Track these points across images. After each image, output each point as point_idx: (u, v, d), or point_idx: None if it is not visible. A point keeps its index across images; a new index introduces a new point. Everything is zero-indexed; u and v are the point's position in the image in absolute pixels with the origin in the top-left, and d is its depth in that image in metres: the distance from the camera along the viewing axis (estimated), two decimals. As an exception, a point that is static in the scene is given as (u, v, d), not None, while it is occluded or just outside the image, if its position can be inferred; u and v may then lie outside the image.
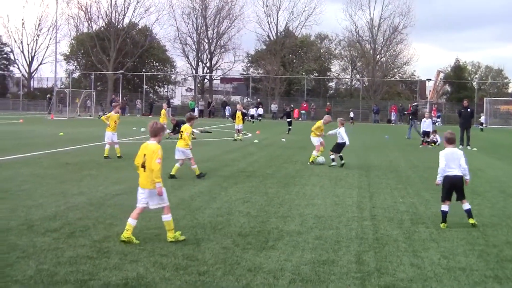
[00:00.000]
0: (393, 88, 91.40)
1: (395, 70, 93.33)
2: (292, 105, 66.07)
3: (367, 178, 16.33)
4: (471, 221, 10.03)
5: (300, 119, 69.85)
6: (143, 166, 8.45)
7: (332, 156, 18.93)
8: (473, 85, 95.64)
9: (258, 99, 76.31)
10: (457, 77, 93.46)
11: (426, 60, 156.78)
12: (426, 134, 30.23)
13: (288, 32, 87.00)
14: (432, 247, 8.47)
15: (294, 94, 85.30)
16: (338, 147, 19.11)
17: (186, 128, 15.27)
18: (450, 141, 10.44)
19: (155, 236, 8.66)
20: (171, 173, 14.95)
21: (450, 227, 9.82)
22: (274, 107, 73.84)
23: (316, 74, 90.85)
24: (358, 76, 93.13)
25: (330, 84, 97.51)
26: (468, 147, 28.07)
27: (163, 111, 30.96)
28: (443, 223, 10.00)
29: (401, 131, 44.52)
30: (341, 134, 19.05)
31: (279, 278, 6.79)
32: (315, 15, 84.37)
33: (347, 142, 18.96)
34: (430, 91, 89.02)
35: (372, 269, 7.29)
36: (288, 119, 41.37)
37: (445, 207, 10.12)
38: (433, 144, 29.65)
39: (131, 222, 8.35)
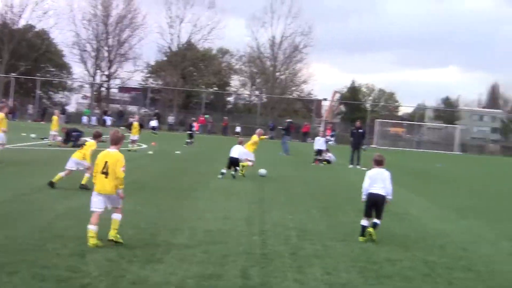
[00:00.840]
0: (291, 105, 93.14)
1: (293, 88, 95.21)
2: (194, 118, 66.00)
3: (259, 194, 16.54)
4: (370, 229, 10.54)
5: (197, 132, 69.74)
6: (105, 172, 8.81)
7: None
8: (367, 107, 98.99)
9: (156, 110, 75.65)
10: (352, 98, 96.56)
11: (324, 80, 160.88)
12: (319, 152, 30.93)
13: (190, 45, 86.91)
14: (316, 263, 8.69)
15: (192, 107, 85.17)
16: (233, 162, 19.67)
17: (91, 144, 14.96)
18: (378, 163, 11.39)
19: (39, 247, 8.40)
20: (52, 180, 14.49)
21: (335, 244, 10.11)
22: (171, 119, 73.38)
23: (216, 88, 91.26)
24: (257, 92, 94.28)
25: (228, 98, 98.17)
26: (358, 167, 28.98)
27: (55, 117, 30.11)
28: (361, 237, 10.52)
29: (296, 148, 45.32)
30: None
31: (164, 291, 6.77)
32: (218, 29, 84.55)
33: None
34: (326, 110, 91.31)
35: (257, 284, 7.39)
36: (189, 132, 41.29)
37: (364, 222, 10.65)
38: (325, 162, 30.39)
39: (93, 228, 8.67)
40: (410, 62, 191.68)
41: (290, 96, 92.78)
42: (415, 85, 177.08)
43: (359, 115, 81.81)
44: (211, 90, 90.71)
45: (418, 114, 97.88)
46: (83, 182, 14.68)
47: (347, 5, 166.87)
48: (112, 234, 8.86)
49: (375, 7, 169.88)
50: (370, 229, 10.59)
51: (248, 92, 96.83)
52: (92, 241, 8.60)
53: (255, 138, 21.88)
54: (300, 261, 8.74)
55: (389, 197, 10.99)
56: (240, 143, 20.85)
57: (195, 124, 44.15)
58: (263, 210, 13.52)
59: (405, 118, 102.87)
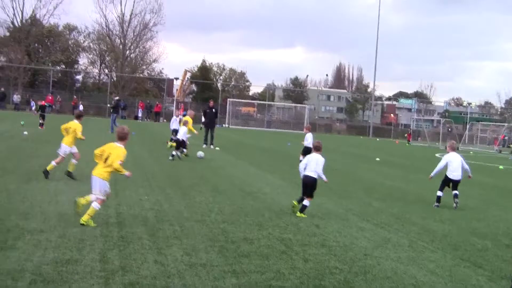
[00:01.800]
0: (142, 85, 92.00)
1: (144, 67, 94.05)
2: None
3: (113, 175, 16.17)
4: (295, 202, 12.25)
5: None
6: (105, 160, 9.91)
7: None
8: (218, 86, 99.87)
9: (2, 89, 71.69)
10: (203, 77, 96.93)
11: (175, 59, 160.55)
12: (175, 132, 30.72)
13: (35, 20, 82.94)
14: (176, 244, 8.68)
15: (39, 86, 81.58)
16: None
17: (76, 125, 14.84)
18: (317, 149, 12.54)
19: None
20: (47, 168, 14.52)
21: (193, 225, 10.16)
22: (16, 98, 69.77)
23: (63, 66, 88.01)
24: (106, 71, 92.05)
25: (77, 77, 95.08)
26: (211, 146, 29.24)
27: None
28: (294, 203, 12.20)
29: (149, 128, 44.94)
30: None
31: (18, 279, 6.46)
32: (65, 5, 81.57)
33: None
34: (177, 89, 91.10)
35: (117, 267, 7.26)
36: (42, 113, 39.30)
37: (306, 202, 12.10)
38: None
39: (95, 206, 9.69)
40: (258, 42, 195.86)
41: (141, 75, 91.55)
42: (265, 65, 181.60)
43: (211, 95, 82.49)
44: (58, 68, 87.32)
45: (269, 93, 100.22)
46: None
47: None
48: (84, 219, 9.50)
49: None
50: (295, 202, 12.26)
51: (97, 71, 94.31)
52: (85, 217, 9.53)
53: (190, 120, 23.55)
54: (159, 243, 8.70)
55: (323, 177, 12.24)
56: (185, 123, 22.76)
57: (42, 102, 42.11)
58: (118, 191, 13.26)
59: (256, 97, 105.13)
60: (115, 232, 9.14)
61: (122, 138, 10.07)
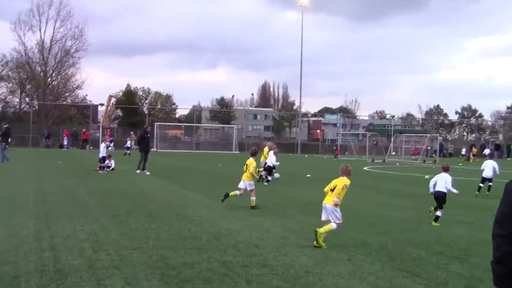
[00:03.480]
0: (65, 112, 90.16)
1: (67, 94, 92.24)
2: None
3: (44, 206, 15.78)
4: (433, 223, 14.29)
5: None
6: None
7: None
8: (144, 110, 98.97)
9: None
10: (128, 102, 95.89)
11: (99, 84, 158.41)
12: (102, 159, 30.23)
13: None
14: (115, 274, 8.49)
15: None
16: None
17: (250, 162, 17.07)
18: (445, 169, 15.29)
19: None
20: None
21: (131, 253, 9.98)
22: None
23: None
24: (27, 100, 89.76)
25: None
26: (145, 171, 28.88)
27: None
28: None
29: (75, 156, 44.04)
30: None
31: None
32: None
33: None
34: (102, 115, 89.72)
35: (56, 302, 7.04)
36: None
37: (438, 213, 14.59)
38: (107, 169, 29.83)
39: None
40: (182, 65, 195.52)
41: (64, 103, 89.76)
42: (190, 87, 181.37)
43: (137, 119, 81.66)
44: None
45: (195, 115, 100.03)
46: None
47: (117, 8, 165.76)
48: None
49: (143, 11, 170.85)
50: (432, 208, 15.04)
51: (18, 100, 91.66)
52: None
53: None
54: (98, 274, 8.49)
55: (454, 191, 15.09)
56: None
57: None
58: (50, 223, 12.90)
59: (183, 120, 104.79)
60: (50, 266, 8.87)
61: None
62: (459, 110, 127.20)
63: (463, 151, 70.54)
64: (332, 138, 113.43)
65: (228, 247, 10.85)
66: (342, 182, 11.52)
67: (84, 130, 72.44)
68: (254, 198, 16.71)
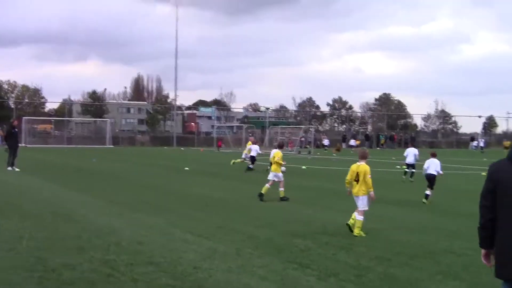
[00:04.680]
0: None
1: None
2: None
3: None
4: (425, 201, 16.58)
5: None
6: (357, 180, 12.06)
7: None
8: (10, 104, 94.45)
9: None
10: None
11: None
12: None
13: None
14: (-12, 280, 7.80)
15: None
16: None
17: (277, 153, 17.63)
18: (433, 155, 18.24)
19: None
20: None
21: (4, 256, 9.24)
22: None
23: None
24: None
25: None
26: (14, 168, 27.30)
27: None
28: None
29: None
30: None
31: None
32: None
33: None
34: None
35: None
36: None
37: (428, 192, 17.55)
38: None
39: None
40: (50, 57, 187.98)
41: None
42: (59, 80, 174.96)
43: (4, 113, 77.78)
44: None
45: (66, 109, 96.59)
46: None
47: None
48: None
49: (6, 2, 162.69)
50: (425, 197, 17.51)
51: None
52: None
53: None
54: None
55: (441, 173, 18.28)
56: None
57: None
58: None
59: (52, 114, 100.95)
60: None
61: (363, 157, 12.40)
62: (331, 102, 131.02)
63: (325, 142, 73.13)
64: (207, 131, 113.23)
65: (110, 245, 10.30)
66: (363, 169, 12.01)
67: None
68: (282, 189, 17.41)
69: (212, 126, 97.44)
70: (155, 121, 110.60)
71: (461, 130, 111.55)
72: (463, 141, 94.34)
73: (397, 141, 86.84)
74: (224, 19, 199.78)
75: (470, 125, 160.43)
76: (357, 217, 11.83)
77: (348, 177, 12.24)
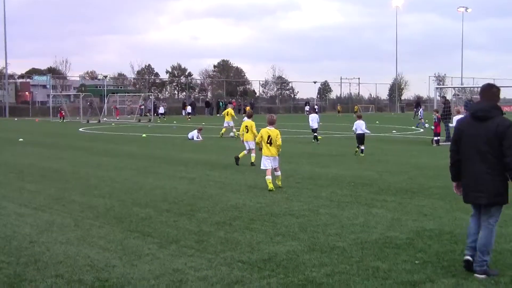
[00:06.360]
0: None
1: None
2: None
3: None
4: (361, 154, 20.57)
5: None
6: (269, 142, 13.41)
7: None
8: None
9: None
10: None
11: None
12: None
13: None
14: None
15: None
16: None
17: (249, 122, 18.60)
18: (359, 117, 22.28)
19: None
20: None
21: None
22: None
23: None
24: None
25: None
26: None
27: None
28: None
29: None
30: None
31: None
32: None
33: None
34: None
35: None
36: None
37: (362, 147, 21.54)
38: None
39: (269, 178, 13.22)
40: None
41: None
42: None
43: None
44: None
45: None
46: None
47: None
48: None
49: None
50: (357, 148, 21.37)
51: None
52: (270, 185, 13.10)
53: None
54: None
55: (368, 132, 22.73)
56: None
57: None
58: None
59: None
60: None
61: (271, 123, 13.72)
62: (170, 70, 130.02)
63: (161, 109, 69.42)
64: (42, 100, 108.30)
65: None
66: (275, 133, 13.51)
67: None
68: (254, 155, 17.99)
69: (48, 96, 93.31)
70: None
71: (298, 96, 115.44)
72: (300, 107, 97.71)
73: (236, 107, 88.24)
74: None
75: (306, 91, 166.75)
76: (276, 173, 13.59)
77: (258, 139, 13.88)
